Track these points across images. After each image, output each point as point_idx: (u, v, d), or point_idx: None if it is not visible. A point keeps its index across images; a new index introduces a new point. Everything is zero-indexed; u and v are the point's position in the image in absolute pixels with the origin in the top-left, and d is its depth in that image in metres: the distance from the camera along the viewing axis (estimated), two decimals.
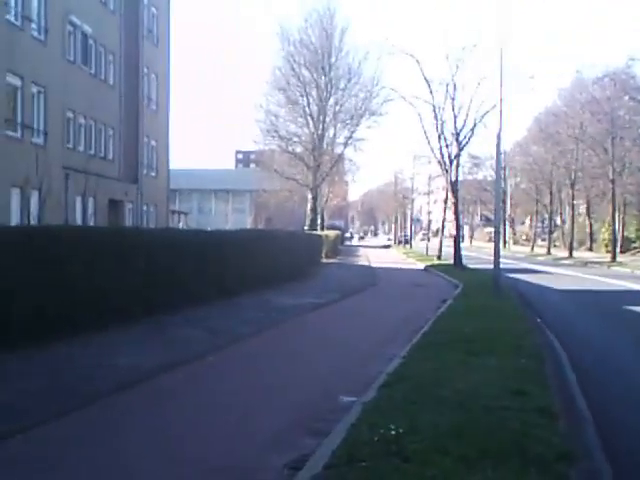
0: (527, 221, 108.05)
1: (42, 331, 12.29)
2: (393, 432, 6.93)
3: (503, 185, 74.85)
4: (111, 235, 16.48)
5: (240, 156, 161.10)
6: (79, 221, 31.10)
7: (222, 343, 14.00)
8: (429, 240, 72.79)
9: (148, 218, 42.60)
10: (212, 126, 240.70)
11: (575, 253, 69.29)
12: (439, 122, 46.50)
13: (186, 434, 7.78)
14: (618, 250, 61.97)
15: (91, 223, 31.43)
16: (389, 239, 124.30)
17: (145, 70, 42.36)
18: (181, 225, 63.54)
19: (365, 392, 9.21)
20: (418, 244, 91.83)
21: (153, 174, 44.38)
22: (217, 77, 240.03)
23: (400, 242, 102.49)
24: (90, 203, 32.35)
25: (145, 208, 42.27)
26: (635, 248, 71.21)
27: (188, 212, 77.20)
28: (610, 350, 14.99)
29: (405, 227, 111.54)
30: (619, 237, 65.84)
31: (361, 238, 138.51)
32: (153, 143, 44.29)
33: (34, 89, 27.90)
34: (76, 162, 31.15)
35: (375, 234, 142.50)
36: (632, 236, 72.73)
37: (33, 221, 20.44)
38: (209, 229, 28.97)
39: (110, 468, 6.64)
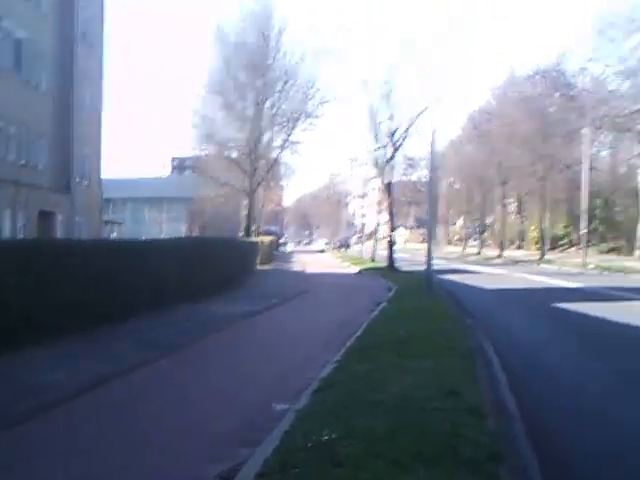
0: (460, 221, 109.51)
1: None
2: (326, 437, 7.00)
3: (437, 186, 75.73)
4: (44, 247, 16.20)
5: (175, 163, 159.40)
6: (7, 234, 30.45)
7: (152, 357, 13.86)
8: (363, 244, 73.32)
9: (80, 229, 41.79)
10: (148, 132, 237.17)
11: (506, 252, 70.56)
12: (374, 123, 46.89)
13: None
14: (547, 247, 63.34)
15: (20, 236, 30.78)
16: (326, 243, 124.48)
17: (78, 76, 41.38)
18: (114, 235, 62.66)
19: (298, 399, 9.29)
20: (353, 248, 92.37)
21: (86, 183, 43.57)
22: (153, 82, 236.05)
23: (340, 246, 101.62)
24: (20, 216, 31.70)
25: (77, 219, 41.50)
26: (563, 245, 72.87)
27: (122, 222, 76.15)
28: (539, 347, 15.34)
29: (339, 231, 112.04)
30: (548, 234, 67.25)
31: (299, 243, 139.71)
32: (86, 151, 43.49)
33: None
34: (6, 172, 30.51)
35: (308, 243, 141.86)
36: (561, 233, 74.35)
37: None
38: (143, 239, 28.63)
39: None
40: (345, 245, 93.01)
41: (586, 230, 51.65)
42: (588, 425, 8.89)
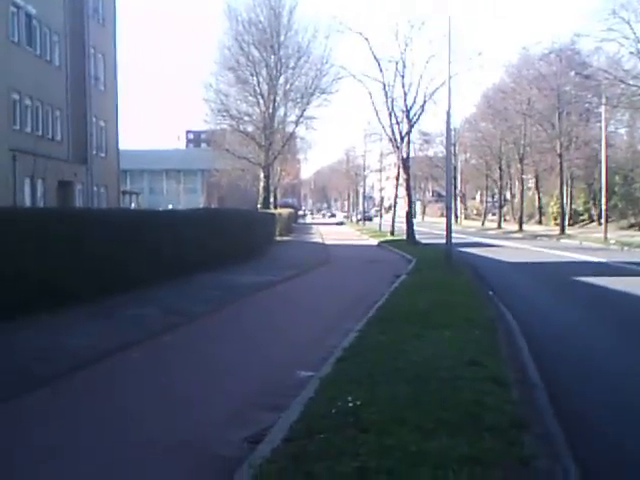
0: (478, 196, 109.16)
1: None
2: (350, 404, 7.02)
3: (453, 161, 75.55)
4: (62, 216, 16.30)
5: (191, 136, 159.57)
6: (28, 203, 30.69)
7: (179, 321, 14.01)
8: (382, 217, 73.22)
9: (99, 199, 42.11)
10: (162, 106, 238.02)
11: (525, 226, 70.34)
12: (389, 100, 46.79)
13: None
14: (567, 223, 63.09)
15: (40, 205, 30.99)
16: (344, 216, 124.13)
17: (91, 50, 41.71)
18: (133, 205, 62.88)
19: (322, 366, 9.31)
20: (374, 221, 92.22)
21: (103, 155, 43.82)
22: (166, 56, 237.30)
23: (362, 219, 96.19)
24: (39, 185, 31.88)
25: (95, 189, 41.75)
26: (583, 220, 72.52)
27: (139, 192, 76.43)
28: (560, 319, 15.32)
29: (358, 204, 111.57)
30: (567, 210, 66.97)
31: (318, 212, 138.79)
32: (102, 123, 43.72)
33: None
34: (24, 144, 30.68)
35: (332, 215, 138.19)
36: (580, 209, 74.03)
37: None
38: (161, 209, 28.75)
39: None
40: (368, 218, 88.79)
41: (606, 206, 51.33)
42: (607, 389, 8.97)
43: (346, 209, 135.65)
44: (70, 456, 6.49)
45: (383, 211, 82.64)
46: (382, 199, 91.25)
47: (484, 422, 6.56)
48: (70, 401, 8.43)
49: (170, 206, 34.28)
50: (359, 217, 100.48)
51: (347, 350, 10.15)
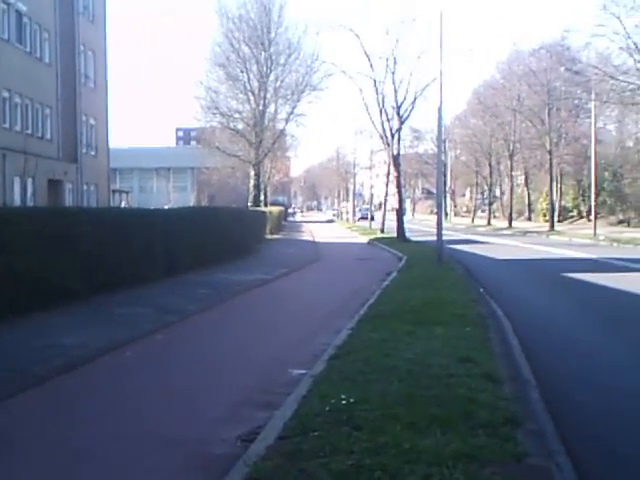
0: (467, 193, 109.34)
1: None
2: (344, 402, 7.06)
3: (444, 158, 75.63)
4: (51, 215, 16.28)
5: (180, 133, 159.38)
6: (18, 202, 30.59)
7: (171, 320, 14.01)
8: (385, 215, 73.18)
9: (89, 197, 42.03)
10: (152, 104, 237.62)
11: (514, 223, 70.51)
12: (380, 96, 46.72)
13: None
14: (556, 219, 63.29)
15: (30, 204, 30.89)
16: (334, 214, 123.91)
17: (82, 47, 41.64)
18: (123, 204, 62.78)
19: (315, 364, 9.33)
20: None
21: (93, 153, 43.75)
22: (157, 54, 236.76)
23: (364, 218, 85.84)
24: (29, 183, 31.78)
25: (85, 187, 41.68)
26: (572, 217, 72.78)
27: (129, 191, 76.26)
28: (550, 315, 15.37)
29: (347, 201, 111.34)
30: (557, 206, 67.18)
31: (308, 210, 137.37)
32: (92, 121, 43.63)
33: None
34: (13, 142, 30.58)
35: (319, 209, 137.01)
36: (569, 205, 74.28)
37: None
38: (152, 208, 28.70)
39: None
40: (370, 217, 76.69)
41: (595, 202, 51.54)
42: (598, 387, 9.00)
43: (336, 206, 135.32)
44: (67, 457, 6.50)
45: (373, 208, 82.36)
46: (372, 196, 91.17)
47: (478, 419, 6.60)
48: (64, 400, 8.44)
49: (166, 206, 34.16)
50: (360, 215, 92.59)
51: (339, 348, 10.17)
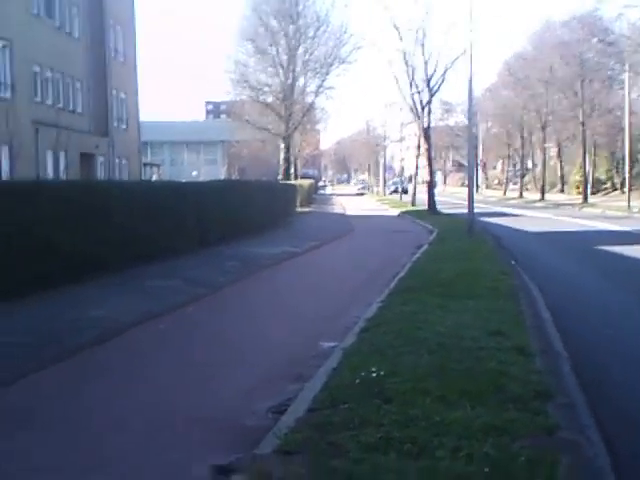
0: (499, 165, 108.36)
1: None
2: (374, 375, 7.04)
3: (475, 130, 74.90)
4: (84, 188, 16.40)
5: (210, 107, 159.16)
6: (51, 175, 30.85)
7: (202, 292, 14.09)
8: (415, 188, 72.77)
9: (121, 171, 42.28)
10: (181, 77, 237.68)
11: (547, 196, 69.87)
12: (409, 69, 46.32)
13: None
14: (589, 191, 62.59)
15: (63, 177, 31.14)
16: (362, 187, 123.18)
17: (110, 22, 41.66)
18: (154, 177, 63.06)
19: (345, 337, 9.34)
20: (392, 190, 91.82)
21: (124, 127, 43.93)
22: (185, 27, 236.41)
23: (395, 192, 79.93)
24: (61, 157, 32.01)
25: (117, 161, 41.92)
26: (606, 189, 71.90)
27: (160, 164, 76.57)
28: (583, 289, 15.27)
29: (378, 174, 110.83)
30: (590, 179, 66.40)
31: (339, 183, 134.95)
32: (122, 95, 43.76)
33: None
34: (45, 116, 30.79)
35: (348, 182, 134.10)
36: (603, 177, 73.37)
37: (4, 176, 20.23)
38: (183, 180, 28.83)
39: None
40: (404, 190, 72.32)
41: (629, 174, 50.83)
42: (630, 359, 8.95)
43: (364, 178, 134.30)
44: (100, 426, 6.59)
45: (405, 180, 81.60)
46: (402, 169, 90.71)
47: (508, 392, 6.57)
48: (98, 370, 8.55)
49: (194, 173, 34.34)
50: (393, 189, 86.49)
51: (370, 321, 10.16)
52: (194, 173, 31.63)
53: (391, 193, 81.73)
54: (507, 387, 6.70)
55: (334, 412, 6.11)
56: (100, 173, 38.61)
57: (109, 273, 15.12)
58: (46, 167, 31.01)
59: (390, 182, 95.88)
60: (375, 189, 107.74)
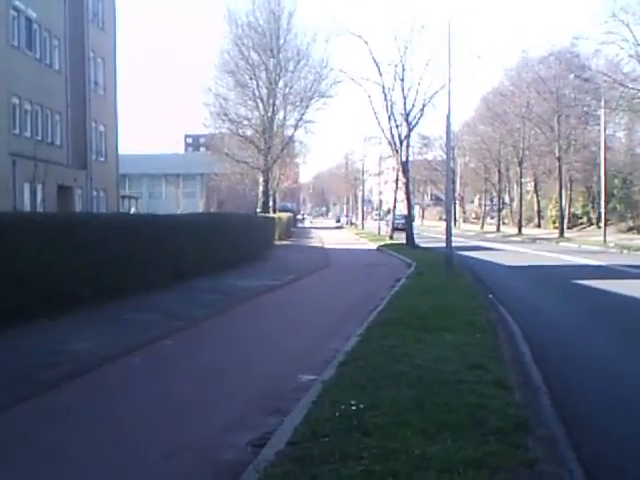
0: (476, 199, 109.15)
1: None
2: (354, 408, 7.04)
3: (453, 165, 75.52)
4: (61, 221, 16.29)
5: (189, 140, 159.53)
6: (28, 208, 30.65)
7: (180, 326, 14.01)
8: (381, 220, 73.01)
9: (98, 203, 42.09)
10: (161, 110, 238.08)
11: (524, 230, 70.42)
12: (389, 103, 46.85)
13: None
14: (565, 226, 63.14)
15: (40, 210, 30.94)
16: (337, 220, 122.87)
17: (91, 54, 41.73)
18: (133, 210, 62.88)
19: (324, 370, 9.31)
20: (370, 224, 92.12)
21: (102, 159, 43.83)
22: (165, 60, 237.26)
23: (398, 229, 59.45)
24: (39, 189, 31.84)
25: (95, 193, 41.75)
26: (582, 224, 72.56)
27: (139, 197, 76.41)
28: (560, 322, 15.32)
29: (357, 208, 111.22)
30: (566, 213, 67.03)
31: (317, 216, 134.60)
32: (101, 128, 43.74)
33: None
34: (23, 148, 30.67)
35: (337, 220, 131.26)
36: (579, 212, 74.07)
37: None
38: (161, 214, 28.72)
39: None
40: (403, 227, 53.13)
41: (605, 209, 51.37)
42: (605, 390, 8.99)
43: (345, 212, 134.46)
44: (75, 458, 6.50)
45: (383, 214, 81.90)
46: (381, 203, 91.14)
47: (488, 425, 6.58)
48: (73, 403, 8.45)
49: (179, 211, 34.24)
50: (395, 225, 61.91)
51: (349, 354, 10.15)
52: (179, 210, 31.63)
53: (393, 230, 60.25)
54: (487, 420, 6.73)
55: (314, 445, 6.08)
56: (78, 206, 38.40)
57: (85, 306, 14.97)
58: (23, 199, 30.84)
59: (380, 215, 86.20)
60: (356, 222, 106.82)
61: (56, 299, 14.17)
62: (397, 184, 54.55)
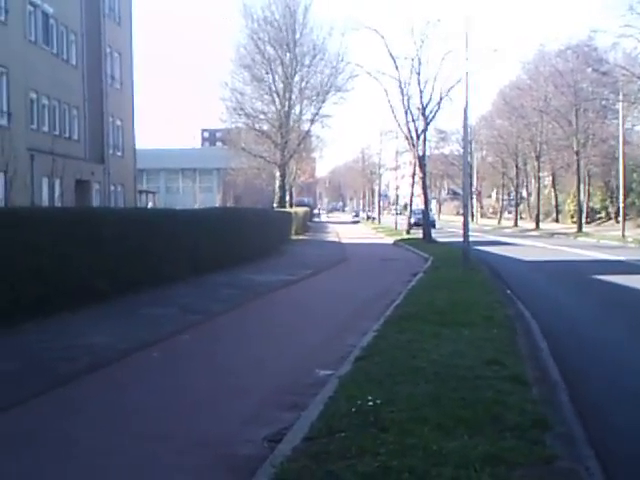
0: (494, 194, 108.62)
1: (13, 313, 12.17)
2: (371, 403, 7.02)
3: (470, 159, 75.19)
4: (79, 215, 16.37)
5: (206, 134, 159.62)
6: (46, 202, 30.80)
7: (197, 320, 14.03)
8: (398, 214, 72.77)
9: (116, 198, 42.25)
10: (178, 105, 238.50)
11: (542, 224, 69.99)
12: (405, 97, 46.73)
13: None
14: (584, 221, 62.74)
15: (58, 204, 31.07)
16: (354, 215, 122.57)
17: (108, 49, 41.85)
18: (150, 204, 63.08)
19: (341, 366, 9.29)
20: (387, 219, 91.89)
21: (119, 154, 43.97)
22: (181, 55, 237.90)
23: (417, 224, 54.34)
24: (57, 184, 31.97)
25: (112, 188, 41.90)
26: (600, 218, 72.06)
27: (156, 191, 76.63)
28: (579, 317, 15.24)
29: (373, 203, 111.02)
30: (584, 208, 66.60)
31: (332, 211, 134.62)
32: (118, 122, 43.85)
33: None
34: (41, 143, 30.80)
35: (356, 214, 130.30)
36: (597, 207, 73.53)
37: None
38: (178, 208, 28.80)
39: None
40: (431, 224, 49.97)
41: (623, 204, 50.96)
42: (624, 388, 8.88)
43: (362, 207, 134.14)
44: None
45: (400, 209, 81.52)
46: (397, 197, 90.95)
47: (505, 421, 6.54)
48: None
49: (196, 205, 34.22)
50: (414, 221, 58.29)
51: (366, 349, 10.13)
52: (196, 205, 31.60)
53: (412, 226, 57.55)
54: (504, 416, 6.69)
55: (331, 441, 6.07)
56: (95, 200, 38.57)
57: (103, 301, 15.05)
58: (41, 194, 30.98)
59: (397, 210, 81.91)
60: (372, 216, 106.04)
61: (74, 293, 14.23)
62: (414, 178, 54.40)
